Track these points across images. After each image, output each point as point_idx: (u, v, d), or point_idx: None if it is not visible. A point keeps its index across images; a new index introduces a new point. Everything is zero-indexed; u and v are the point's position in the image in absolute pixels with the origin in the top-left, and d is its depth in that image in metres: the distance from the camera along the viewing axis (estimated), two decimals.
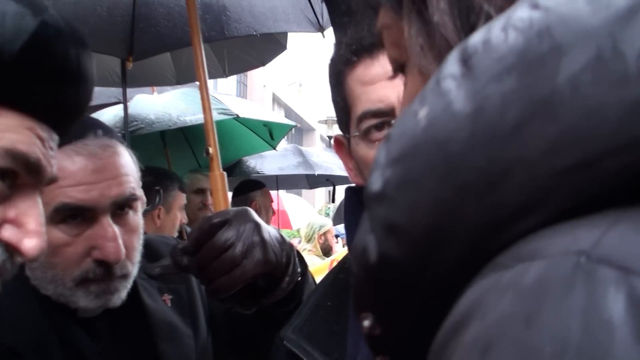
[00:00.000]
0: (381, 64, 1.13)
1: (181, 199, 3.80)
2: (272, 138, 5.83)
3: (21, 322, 1.30)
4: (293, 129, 7.52)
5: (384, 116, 1.12)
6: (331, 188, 8.36)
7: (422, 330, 0.45)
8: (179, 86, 4.78)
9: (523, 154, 0.40)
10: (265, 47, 3.85)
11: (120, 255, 1.27)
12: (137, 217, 1.36)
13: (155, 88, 5.16)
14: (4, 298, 1.30)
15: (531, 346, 0.35)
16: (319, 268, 4.95)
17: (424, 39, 0.54)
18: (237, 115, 4.79)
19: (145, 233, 1.45)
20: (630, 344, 0.33)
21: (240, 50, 3.89)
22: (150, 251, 1.47)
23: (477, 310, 0.39)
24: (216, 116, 4.48)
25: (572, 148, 0.39)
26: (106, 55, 3.38)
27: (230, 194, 5.17)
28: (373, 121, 1.13)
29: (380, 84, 1.12)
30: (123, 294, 1.33)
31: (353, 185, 1.29)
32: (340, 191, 6.11)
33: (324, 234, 6.70)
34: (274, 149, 6.11)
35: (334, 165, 7.15)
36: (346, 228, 1.28)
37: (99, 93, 5.26)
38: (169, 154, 4.93)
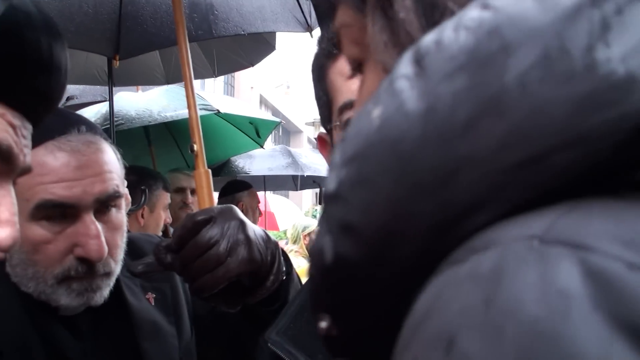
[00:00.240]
0: None
1: (165, 198, 3.79)
2: (258, 136, 5.82)
3: (2, 319, 1.28)
4: (280, 131, 7.52)
5: None
6: (318, 190, 8.37)
7: (380, 331, 0.46)
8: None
9: (474, 151, 0.41)
10: (254, 47, 3.86)
11: (102, 253, 1.25)
12: (120, 215, 1.35)
13: (140, 87, 5.15)
14: None
15: (493, 328, 0.35)
16: (305, 269, 4.95)
17: (388, 35, 0.54)
18: (217, 110, 4.79)
19: (128, 232, 1.44)
20: (587, 312, 0.33)
21: (229, 51, 3.89)
22: (134, 249, 1.46)
23: (436, 306, 0.39)
24: (198, 111, 4.50)
25: (521, 144, 0.40)
26: (95, 55, 3.37)
27: (216, 195, 5.18)
28: (353, 112, 1.13)
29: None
30: (105, 292, 1.32)
31: None
32: None
33: (309, 234, 6.71)
34: (262, 146, 6.11)
35: (322, 167, 7.16)
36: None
37: (85, 91, 5.25)
38: (154, 152, 4.91)
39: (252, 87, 24.83)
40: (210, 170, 1.74)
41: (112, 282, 1.33)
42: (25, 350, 1.27)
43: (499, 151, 0.40)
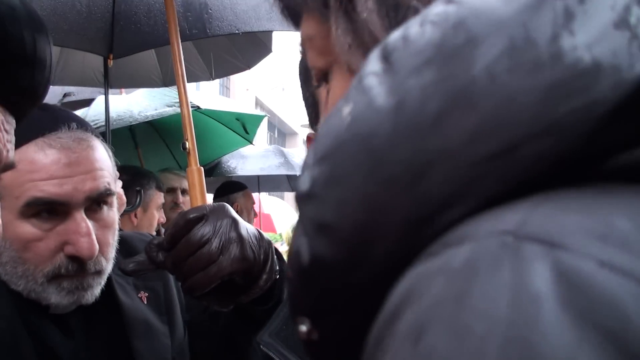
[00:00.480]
0: None
1: (159, 198, 3.78)
2: (246, 132, 5.80)
3: None
4: (276, 132, 7.52)
5: None
6: None
7: (360, 333, 0.45)
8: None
9: (445, 144, 0.41)
10: (251, 50, 3.86)
11: (93, 251, 1.24)
12: (112, 213, 1.34)
13: (123, 89, 5.15)
14: None
15: (462, 326, 0.35)
16: None
17: (351, 37, 0.55)
18: (197, 106, 4.79)
19: (121, 230, 1.43)
20: (556, 315, 0.33)
21: (226, 54, 3.89)
22: (126, 248, 1.45)
23: (409, 299, 0.39)
24: (177, 109, 4.51)
25: (493, 136, 0.40)
26: (91, 56, 3.36)
27: (211, 196, 5.17)
28: None
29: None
30: (97, 290, 1.31)
31: None
32: None
33: None
34: (251, 142, 6.09)
35: None
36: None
37: (82, 88, 5.24)
38: (142, 154, 4.90)
39: (247, 89, 24.85)
40: (202, 168, 1.73)
41: (103, 280, 1.32)
42: (15, 349, 1.26)
43: (470, 143, 0.40)
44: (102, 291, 1.33)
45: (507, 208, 0.39)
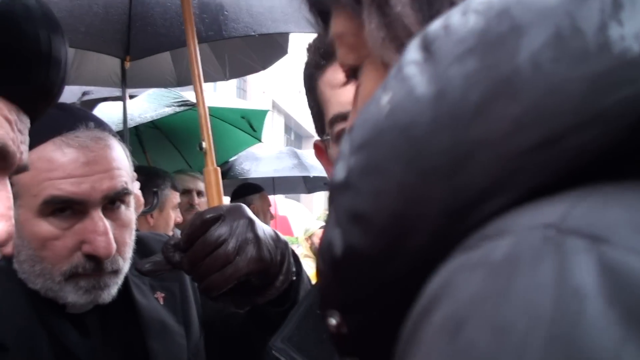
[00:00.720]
0: None
1: (174, 197, 3.78)
2: (253, 129, 5.79)
3: (9, 316, 1.28)
4: (292, 135, 7.51)
5: None
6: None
7: (391, 328, 0.44)
8: (178, 89, 4.79)
9: (487, 134, 0.40)
10: (266, 50, 3.85)
11: (111, 250, 1.25)
12: (129, 213, 1.35)
13: (128, 95, 5.20)
14: None
15: (503, 322, 0.34)
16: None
17: (385, 32, 0.54)
18: (194, 104, 4.81)
19: (138, 231, 1.44)
20: (601, 311, 0.32)
21: (241, 54, 3.89)
22: (143, 248, 1.45)
23: (446, 291, 0.38)
24: (176, 109, 4.50)
25: (536, 126, 0.39)
26: (108, 57, 3.37)
27: (226, 199, 5.18)
28: (344, 124, 1.12)
29: (349, 86, 1.12)
30: (113, 290, 1.31)
31: None
32: None
33: (310, 237, 6.73)
34: (260, 140, 6.09)
35: None
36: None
37: (98, 88, 5.28)
38: (150, 158, 4.92)
39: (264, 92, 24.89)
40: (219, 168, 1.73)
41: (120, 280, 1.32)
42: (32, 347, 1.27)
43: (513, 134, 0.40)
44: (119, 291, 1.33)
45: (549, 201, 0.39)
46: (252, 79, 22.76)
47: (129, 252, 1.34)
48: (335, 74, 1.14)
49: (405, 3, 0.52)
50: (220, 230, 1.19)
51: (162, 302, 1.47)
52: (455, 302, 0.37)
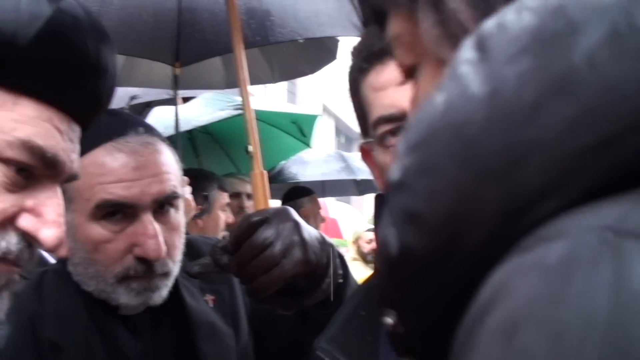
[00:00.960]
0: (391, 70, 1.13)
1: (222, 198, 3.77)
2: (303, 135, 5.79)
3: (64, 317, 1.32)
4: (343, 138, 7.49)
5: (397, 121, 1.12)
6: None
7: (447, 327, 0.44)
8: (228, 91, 4.84)
9: (542, 134, 0.40)
10: (315, 55, 3.85)
11: (160, 253, 1.27)
12: (178, 216, 1.37)
13: (181, 99, 5.25)
14: (48, 293, 1.34)
15: (559, 325, 0.34)
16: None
17: (441, 29, 0.54)
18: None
19: (187, 234, 1.46)
20: None
21: (290, 57, 3.89)
22: (192, 251, 1.47)
23: (502, 294, 0.38)
24: (231, 112, 4.51)
25: (593, 126, 0.39)
26: None
27: (277, 202, 5.20)
28: (387, 127, 1.13)
29: (391, 89, 1.12)
30: (164, 292, 1.34)
31: (382, 193, 1.28)
32: None
33: (357, 240, 6.71)
34: (309, 146, 6.09)
35: None
36: (377, 237, 1.27)
37: (147, 90, 5.36)
38: (203, 162, 4.96)
39: (314, 95, 24.93)
40: (266, 172, 1.75)
41: (170, 282, 1.35)
42: (86, 347, 1.30)
43: (569, 134, 0.39)
44: (170, 293, 1.35)
45: (606, 203, 0.38)
46: (302, 81, 22.81)
47: (178, 254, 1.36)
48: (377, 77, 1.15)
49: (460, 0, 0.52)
50: (266, 233, 1.20)
51: (211, 304, 1.49)
52: (510, 306, 0.37)
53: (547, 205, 0.40)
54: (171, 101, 4.77)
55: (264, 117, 5.14)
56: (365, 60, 1.17)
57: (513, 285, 0.38)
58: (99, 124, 0.95)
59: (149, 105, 5.60)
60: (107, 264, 1.28)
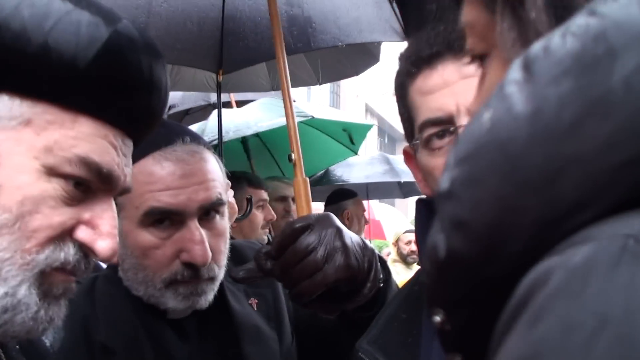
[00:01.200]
0: (439, 74, 1.15)
1: (256, 195, 3.68)
2: (352, 142, 5.80)
3: (115, 321, 1.36)
4: (386, 138, 7.46)
5: (443, 124, 1.14)
6: None
7: (488, 324, 0.47)
8: (272, 93, 4.88)
9: (580, 151, 0.43)
10: (358, 58, 3.88)
11: (207, 258, 1.31)
12: (223, 222, 1.40)
13: (235, 103, 5.28)
14: (99, 298, 1.38)
15: (574, 320, 0.37)
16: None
17: (516, 34, 0.56)
18: (312, 116, 4.84)
19: (232, 238, 1.49)
20: None
21: (334, 60, 3.93)
22: (237, 255, 1.50)
23: (533, 291, 0.41)
24: None
25: (627, 144, 0.42)
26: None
27: (322, 204, 5.21)
28: (433, 129, 1.15)
29: (439, 93, 1.14)
30: (210, 296, 1.37)
31: (424, 197, 1.29)
32: None
33: (397, 241, 6.70)
34: (356, 153, 6.10)
35: None
36: (418, 241, 1.29)
37: (185, 98, 5.42)
38: (254, 166, 5.01)
39: (357, 96, 24.91)
40: (308, 179, 1.77)
41: (216, 286, 1.38)
42: (137, 350, 1.34)
43: (604, 151, 0.42)
44: (215, 297, 1.39)
45: (633, 214, 0.41)
46: (345, 83, 22.80)
47: (223, 260, 1.40)
48: (425, 81, 1.17)
49: (541, 9, 0.54)
50: (309, 239, 1.23)
51: (255, 308, 1.52)
52: (537, 300, 0.40)
53: (582, 216, 0.43)
54: (210, 107, 4.82)
55: (316, 124, 5.17)
56: (414, 65, 1.19)
57: (542, 282, 0.41)
58: None
59: (187, 113, 5.70)
60: (156, 270, 1.32)
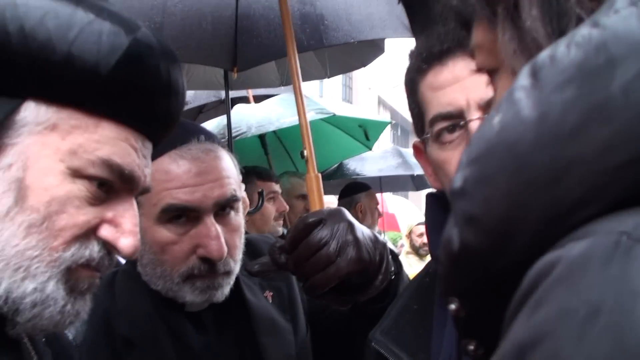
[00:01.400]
0: (450, 70, 1.17)
1: (266, 188, 3.68)
2: (367, 138, 5.82)
3: (135, 315, 1.40)
4: (399, 131, 7.46)
5: (453, 119, 1.16)
6: None
7: (499, 311, 0.52)
8: (282, 89, 4.89)
9: (582, 152, 0.47)
10: (364, 50, 3.91)
11: (222, 253, 1.34)
12: (238, 217, 1.44)
13: (253, 98, 5.30)
14: (119, 293, 1.42)
15: (570, 307, 0.42)
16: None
17: (516, 43, 0.61)
18: (333, 113, 4.86)
19: (246, 233, 1.52)
20: None
21: (341, 53, 3.96)
22: (252, 250, 1.54)
23: (536, 282, 0.46)
24: (314, 116, 4.55)
25: (625, 146, 0.46)
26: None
27: (336, 197, 5.21)
28: (443, 124, 1.17)
29: (449, 88, 1.17)
30: (226, 289, 1.40)
31: (434, 191, 1.32)
32: None
33: (409, 233, 6.71)
34: (370, 149, 6.11)
35: None
36: (429, 234, 1.32)
37: (197, 95, 5.45)
38: (271, 161, 5.03)
39: (369, 88, 24.85)
40: (320, 175, 1.81)
41: (232, 280, 1.42)
42: (156, 343, 1.38)
43: (604, 153, 0.46)
44: (231, 291, 1.42)
45: (630, 212, 0.45)
46: (357, 76, 22.75)
47: (239, 254, 1.43)
48: (436, 77, 1.19)
49: (536, 17, 0.58)
50: (322, 233, 1.26)
51: (270, 301, 1.55)
52: (539, 289, 0.45)
53: (584, 212, 0.47)
54: (222, 104, 4.83)
55: (332, 120, 5.18)
56: (425, 61, 1.21)
57: (544, 273, 0.45)
58: None
59: (201, 111, 5.73)
60: (173, 265, 1.36)
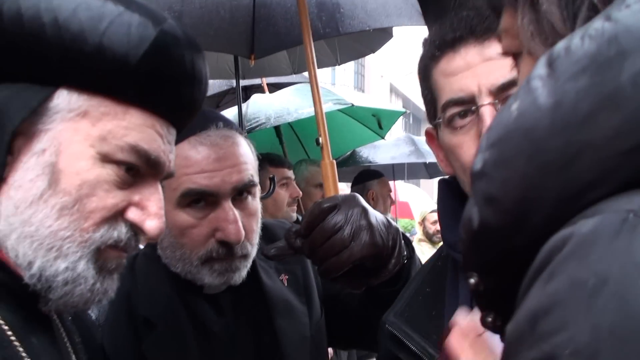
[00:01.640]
0: (462, 57, 1.20)
1: (278, 174, 3.69)
2: (380, 127, 5.84)
3: (155, 296, 1.44)
4: (411, 119, 7.46)
5: (465, 104, 1.19)
6: None
7: (515, 284, 0.55)
8: (294, 77, 4.91)
9: (593, 138, 0.50)
10: (373, 36, 3.94)
11: (240, 236, 1.38)
12: (255, 202, 1.47)
13: (268, 88, 5.31)
14: (140, 275, 1.46)
15: (579, 277, 0.46)
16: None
17: (534, 26, 0.64)
18: (352, 104, 4.89)
19: (263, 218, 1.55)
20: None
21: (351, 39, 3.98)
22: (268, 234, 1.57)
23: (550, 257, 0.50)
24: (332, 106, 4.58)
25: (632, 133, 0.49)
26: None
27: (349, 185, 5.22)
28: (456, 109, 1.20)
29: (461, 74, 1.19)
30: (243, 272, 1.44)
31: (446, 177, 1.35)
32: None
33: (423, 220, 6.74)
34: (383, 138, 6.13)
35: None
36: (440, 219, 1.34)
37: (212, 84, 5.48)
38: (286, 149, 5.05)
39: (382, 76, 24.77)
40: (334, 162, 1.83)
41: (249, 263, 1.45)
42: (176, 324, 1.42)
43: (614, 138, 0.50)
44: (248, 274, 1.46)
45: (638, 193, 0.49)
46: (370, 64, 22.67)
47: (256, 238, 1.47)
48: (449, 63, 1.22)
49: (552, 1, 0.62)
50: (336, 218, 1.29)
51: (286, 284, 1.59)
52: (552, 263, 0.49)
53: (594, 193, 0.51)
54: (233, 91, 4.83)
55: (346, 109, 5.20)
56: (438, 48, 1.24)
57: (557, 248, 0.49)
58: None
59: (218, 105, 5.76)
60: (192, 248, 1.39)
